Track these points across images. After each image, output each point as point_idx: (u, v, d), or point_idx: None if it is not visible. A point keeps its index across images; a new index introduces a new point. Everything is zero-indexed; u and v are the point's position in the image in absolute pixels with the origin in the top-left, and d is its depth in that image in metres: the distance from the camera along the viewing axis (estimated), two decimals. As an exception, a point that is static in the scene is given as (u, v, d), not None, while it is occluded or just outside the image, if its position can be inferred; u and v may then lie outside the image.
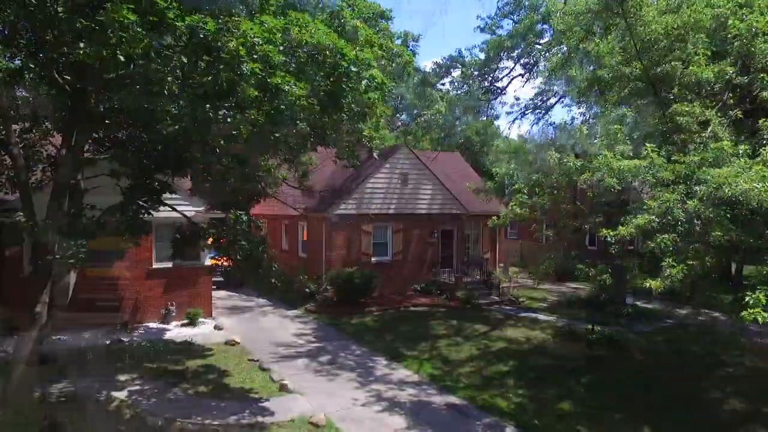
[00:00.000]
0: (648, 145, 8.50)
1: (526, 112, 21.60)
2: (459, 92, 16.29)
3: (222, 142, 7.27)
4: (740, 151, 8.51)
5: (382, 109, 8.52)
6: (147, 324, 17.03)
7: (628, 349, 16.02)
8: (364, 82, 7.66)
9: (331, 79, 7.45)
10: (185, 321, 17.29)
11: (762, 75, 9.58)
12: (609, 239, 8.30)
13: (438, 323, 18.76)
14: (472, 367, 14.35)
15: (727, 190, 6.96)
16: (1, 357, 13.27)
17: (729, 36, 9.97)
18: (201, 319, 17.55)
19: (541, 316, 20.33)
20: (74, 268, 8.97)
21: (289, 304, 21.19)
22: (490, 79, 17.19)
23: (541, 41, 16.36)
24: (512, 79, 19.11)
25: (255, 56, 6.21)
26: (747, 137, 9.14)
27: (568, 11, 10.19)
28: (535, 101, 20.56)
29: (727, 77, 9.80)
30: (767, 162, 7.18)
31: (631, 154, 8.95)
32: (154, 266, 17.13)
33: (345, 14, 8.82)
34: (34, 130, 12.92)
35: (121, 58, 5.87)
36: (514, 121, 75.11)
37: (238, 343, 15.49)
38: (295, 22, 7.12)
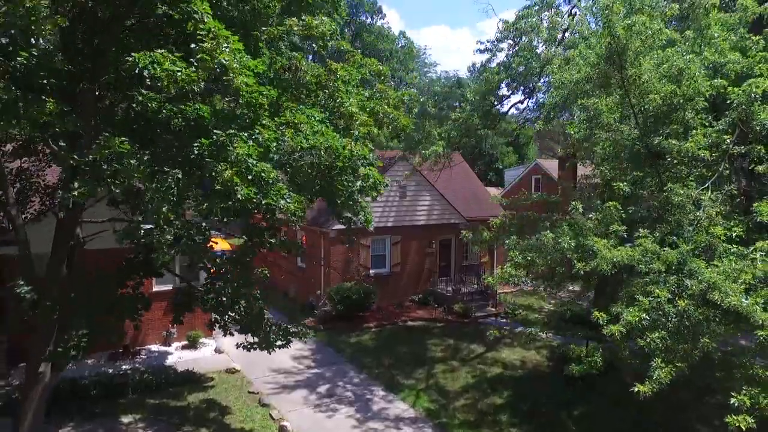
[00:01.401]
0: (642, 231, 8.57)
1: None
2: (460, 124, 16.23)
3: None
4: (733, 235, 8.59)
5: (375, 195, 8.59)
6: (149, 347, 17.34)
7: (621, 372, 16.35)
8: (359, 183, 7.69)
9: (326, 178, 7.49)
10: (186, 343, 17.60)
11: (759, 147, 9.56)
12: (601, 321, 8.45)
13: (435, 342, 19.09)
14: (467, 399, 14.70)
15: (716, 297, 7.09)
16: (7, 390, 13.65)
17: (728, 102, 9.90)
18: (202, 340, 17.85)
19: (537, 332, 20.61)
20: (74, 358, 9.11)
21: (289, 318, 21.50)
22: (489, 102, 17.06)
23: (539, 80, 16.27)
24: (512, 105, 18.99)
25: (250, 177, 6.24)
26: (742, 215, 9.18)
27: (566, 79, 10.09)
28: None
29: (724, 147, 9.79)
30: (756, 272, 7.27)
31: (625, 235, 9.03)
32: (154, 289, 17.32)
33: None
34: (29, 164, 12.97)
35: (116, 189, 5.92)
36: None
37: (239, 371, 15.82)
38: (290, 122, 7.12)
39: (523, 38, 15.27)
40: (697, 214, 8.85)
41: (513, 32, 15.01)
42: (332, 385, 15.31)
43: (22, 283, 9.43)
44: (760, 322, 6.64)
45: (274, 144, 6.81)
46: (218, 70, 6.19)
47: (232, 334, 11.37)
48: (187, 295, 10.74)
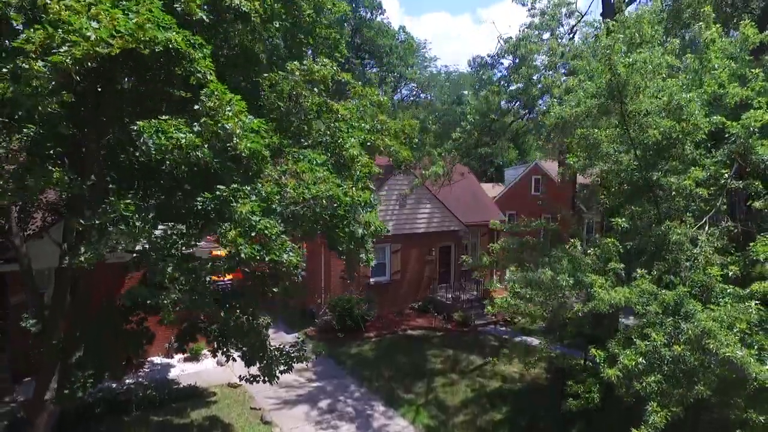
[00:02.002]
0: (639, 270, 8.69)
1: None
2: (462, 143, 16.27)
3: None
4: (729, 273, 8.72)
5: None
6: (152, 359, 17.54)
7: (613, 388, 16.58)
8: (360, 230, 7.78)
9: (327, 225, 7.60)
10: (188, 355, 17.78)
11: (757, 182, 9.65)
12: (598, 358, 8.61)
13: (434, 353, 19.29)
14: (466, 415, 14.91)
15: (711, 345, 7.22)
16: (12, 408, 13.85)
17: (726, 135, 9.98)
18: (204, 352, 18.05)
19: (535, 341, 20.82)
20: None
21: (289, 326, 21.70)
22: (490, 119, 17.07)
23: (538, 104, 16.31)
24: (512, 122, 18.97)
25: (253, 233, 6.35)
26: (739, 252, 9.29)
27: (566, 113, 10.14)
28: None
29: (722, 181, 9.88)
30: (751, 318, 7.40)
31: (623, 273, 9.15)
32: (156, 303, 17.48)
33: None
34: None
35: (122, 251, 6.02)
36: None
37: (240, 385, 16.01)
38: (292, 171, 7.21)
39: (522, 67, 15.25)
40: (695, 251, 8.96)
41: (512, 54, 15.00)
42: (333, 400, 15.52)
43: (27, 315, 9.55)
44: (754, 375, 6.79)
45: (277, 196, 6.90)
46: (221, 133, 6.26)
47: (234, 360, 11.53)
48: (192, 327, 10.89)
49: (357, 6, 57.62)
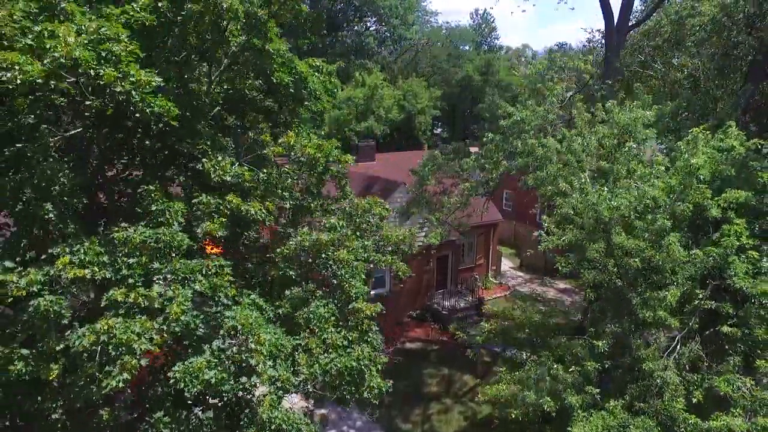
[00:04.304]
0: (612, 402, 9.73)
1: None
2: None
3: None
4: (693, 399, 9.81)
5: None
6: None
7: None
8: (365, 393, 8.59)
9: (334, 391, 8.51)
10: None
11: (728, 306, 10.51)
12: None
13: (430, 373, 20.80)
14: (458, 449, 16.57)
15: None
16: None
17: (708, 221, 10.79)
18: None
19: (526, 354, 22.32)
20: None
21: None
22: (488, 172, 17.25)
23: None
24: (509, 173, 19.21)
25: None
26: (707, 376, 10.29)
27: (554, 242, 10.81)
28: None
29: (696, 302, 10.74)
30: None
31: (599, 397, 10.19)
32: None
33: None
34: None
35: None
36: None
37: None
38: (305, 347, 8.08)
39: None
40: (664, 375, 9.97)
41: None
42: (337, 430, 17.09)
43: None
44: None
45: (291, 379, 7.79)
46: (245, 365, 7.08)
47: None
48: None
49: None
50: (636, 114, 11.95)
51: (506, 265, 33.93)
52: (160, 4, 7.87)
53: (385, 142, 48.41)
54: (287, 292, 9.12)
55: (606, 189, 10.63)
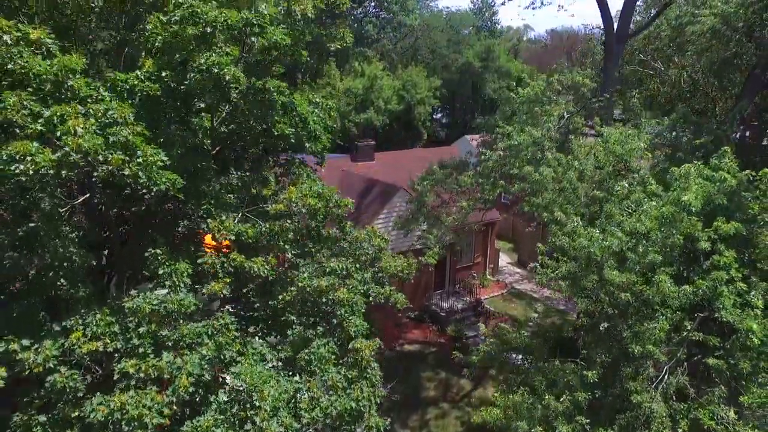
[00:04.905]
0: (601, 430, 10.16)
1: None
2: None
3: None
4: (679, 430, 10.26)
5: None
6: None
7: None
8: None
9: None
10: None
11: (714, 339, 10.87)
12: None
13: (428, 377, 21.35)
14: (455, 456, 17.16)
15: None
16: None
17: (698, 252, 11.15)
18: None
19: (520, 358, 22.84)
20: None
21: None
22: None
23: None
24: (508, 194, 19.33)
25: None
26: (693, 408, 10.71)
27: (548, 275, 11.14)
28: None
29: (684, 333, 11.11)
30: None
31: (587, 427, 10.60)
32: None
33: None
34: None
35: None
36: None
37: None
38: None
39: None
40: (651, 406, 10.39)
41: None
42: (338, 437, 17.66)
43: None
44: None
45: (294, 425, 8.16)
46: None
47: None
48: None
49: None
50: (631, 145, 12.16)
51: (504, 260, 34.30)
52: (163, 74, 8.06)
53: (384, 132, 48.42)
54: (289, 332, 9.47)
55: (597, 230, 10.94)
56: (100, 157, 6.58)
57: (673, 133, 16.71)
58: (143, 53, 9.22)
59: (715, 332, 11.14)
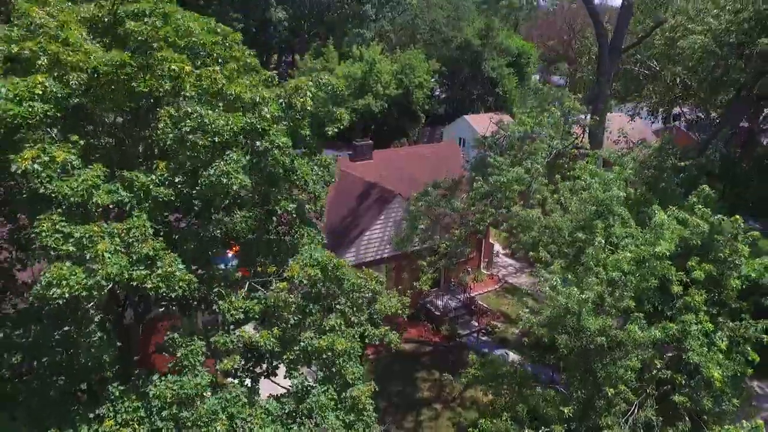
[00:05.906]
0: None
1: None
2: None
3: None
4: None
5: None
6: None
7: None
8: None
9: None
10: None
11: (680, 377, 11.93)
12: None
13: (423, 377, 22.61)
14: (446, 457, 18.53)
15: None
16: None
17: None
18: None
19: (512, 355, 24.10)
20: None
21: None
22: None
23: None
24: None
25: None
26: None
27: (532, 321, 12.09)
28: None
29: (654, 372, 12.16)
30: None
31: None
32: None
33: None
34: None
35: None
36: None
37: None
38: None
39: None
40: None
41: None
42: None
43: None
44: None
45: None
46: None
47: None
48: None
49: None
50: (613, 193, 12.91)
51: (498, 250, 35.24)
52: (177, 180, 8.73)
53: (382, 117, 48.59)
54: (290, 384, 10.49)
55: (574, 286, 11.87)
56: (125, 277, 7.40)
57: (659, 159, 17.41)
58: (155, 149, 9.86)
59: (682, 369, 12.21)
